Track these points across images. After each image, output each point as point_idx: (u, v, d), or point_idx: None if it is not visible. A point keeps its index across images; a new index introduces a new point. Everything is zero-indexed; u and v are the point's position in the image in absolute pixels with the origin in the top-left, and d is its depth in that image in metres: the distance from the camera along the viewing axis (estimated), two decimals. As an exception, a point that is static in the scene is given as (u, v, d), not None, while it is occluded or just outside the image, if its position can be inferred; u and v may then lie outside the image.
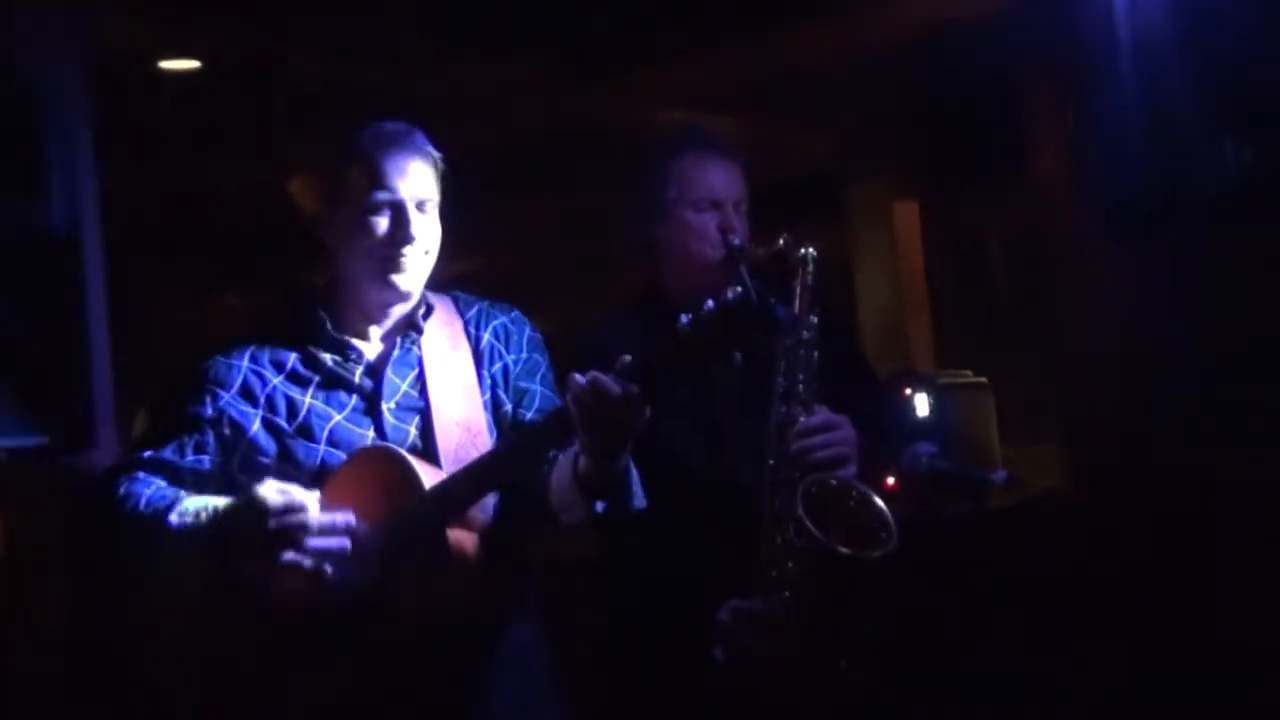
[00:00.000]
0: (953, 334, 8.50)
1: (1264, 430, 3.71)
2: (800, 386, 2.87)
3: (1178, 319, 3.68)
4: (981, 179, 7.32)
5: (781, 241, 2.99)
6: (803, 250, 2.97)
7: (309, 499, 2.52)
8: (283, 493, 2.51)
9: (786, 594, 2.78)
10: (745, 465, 2.90)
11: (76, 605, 3.70)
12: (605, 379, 2.37)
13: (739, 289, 2.33)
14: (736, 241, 3.04)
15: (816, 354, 2.90)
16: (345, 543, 2.53)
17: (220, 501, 2.60)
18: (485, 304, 2.90)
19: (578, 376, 2.41)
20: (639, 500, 2.56)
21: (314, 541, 2.51)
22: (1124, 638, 3.86)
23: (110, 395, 3.72)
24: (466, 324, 2.84)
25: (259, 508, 2.49)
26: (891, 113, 6.89)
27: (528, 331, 2.88)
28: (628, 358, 2.41)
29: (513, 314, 2.89)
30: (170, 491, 2.66)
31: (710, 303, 2.35)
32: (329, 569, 2.53)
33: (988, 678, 3.88)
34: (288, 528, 2.49)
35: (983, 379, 5.55)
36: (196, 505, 2.60)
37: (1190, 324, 3.66)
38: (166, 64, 5.26)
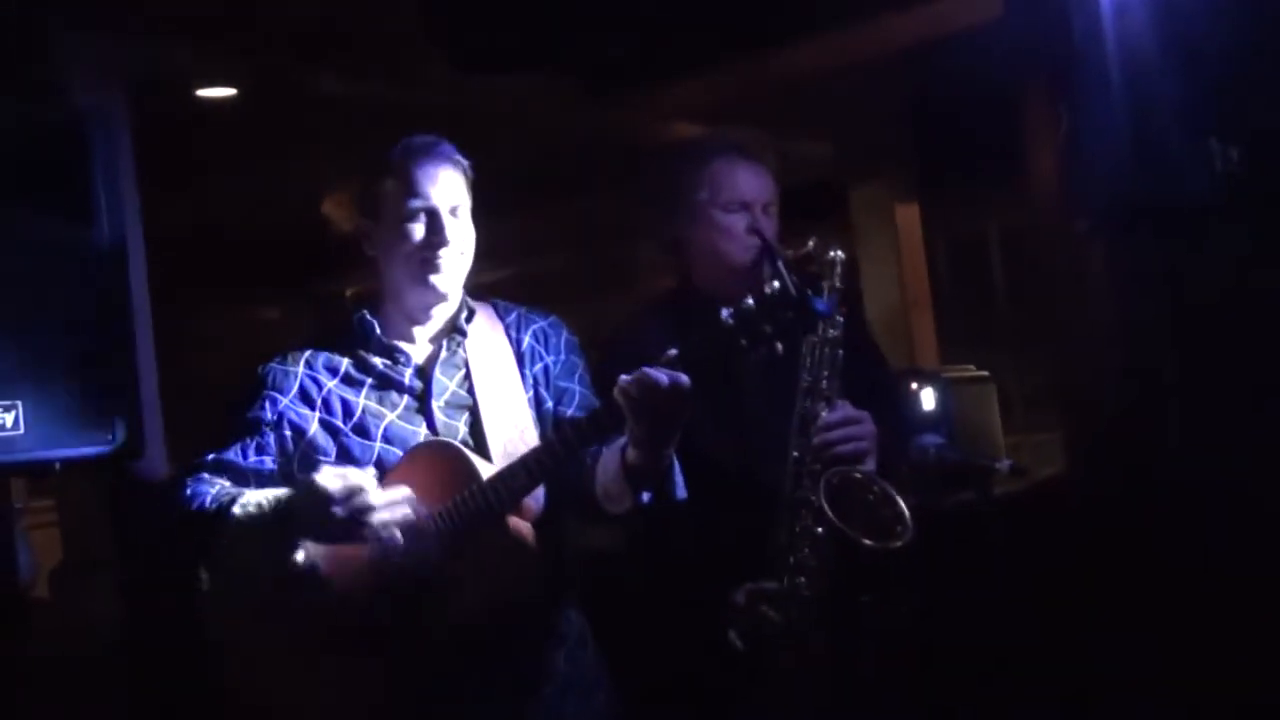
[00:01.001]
0: (955, 330, 8.58)
1: (1258, 421, 3.77)
2: (824, 382, 2.98)
3: (1170, 314, 3.74)
4: (979, 180, 7.39)
5: (811, 243, 3.09)
6: (832, 253, 3.07)
7: (366, 479, 2.63)
8: (340, 476, 2.63)
9: (801, 579, 2.89)
10: (769, 457, 2.99)
11: (128, 609, 3.80)
12: (654, 372, 2.48)
13: (777, 283, 2.41)
14: (764, 242, 3.13)
15: (841, 352, 3.00)
16: (408, 511, 2.66)
17: (281, 491, 2.74)
18: (523, 310, 3.04)
19: (624, 377, 2.51)
20: (681, 490, 2.68)
21: (378, 516, 2.62)
22: (1132, 621, 3.90)
23: (157, 408, 3.84)
24: (507, 328, 2.98)
25: (320, 493, 2.61)
26: (891, 118, 6.95)
27: (565, 335, 3.03)
28: (674, 351, 2.51)
29: (550, 319, 3.04)
30: (234, 489, 2.80)
31: (750, 299, 2.42)
32: (397, 537, 2.65)
33: (998, 663, 3.95)
34: (352, 510, 2.61)
35: (985, 373, 5.62)
36: (258, 497, 2.74)
37: (1182, 319, 3.71)
38: (203, 91, 5.43)
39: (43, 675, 3.60)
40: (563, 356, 2.99)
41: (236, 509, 2.73)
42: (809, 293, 2.42)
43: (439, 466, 2.74)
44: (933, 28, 5.62)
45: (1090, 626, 3.97)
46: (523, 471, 2.68)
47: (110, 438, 3.26)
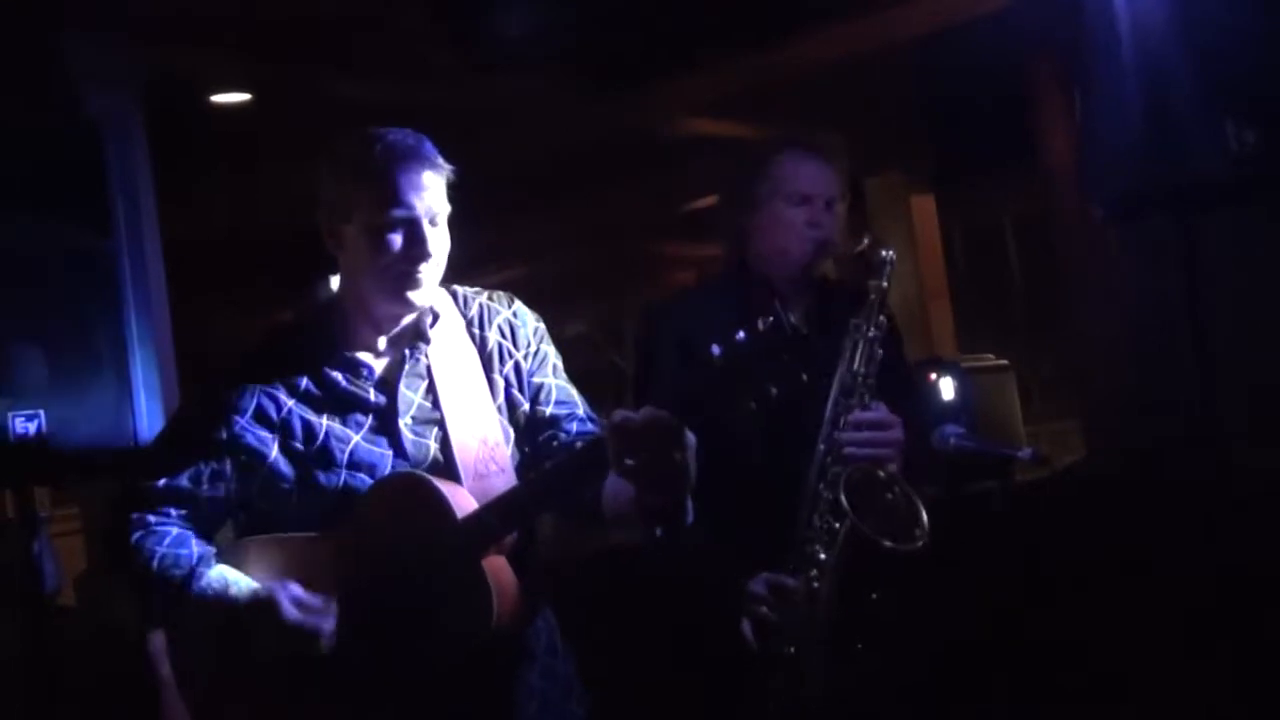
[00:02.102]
0: (972, 319, 8.61)
1: (1272, 403, 3.77)
2: (861, 379, 2.96)
3: (1184, 298, 3.73)
4: (994, 169, 7.41)
5: (866, 240, 3.06)
6: (884, 252, 3.05)
7: (326, 616, 2.49)
8: (298, 604, 2.49)
9: (814, 571, 2.88)
10: (791, 454, 2.96)
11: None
12: (631, 416, 2.26)
13: (771, 319, 2.26)
14: (822, 236, 3.09)
15: (881, 353, 2.99)
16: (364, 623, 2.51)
17: (241, 587, 2.55)
18: (484, 299, 2.78)
19: (614, 414, 2.30)
20: (691, 515, 2.41)
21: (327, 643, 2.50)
22: (1158, 609, 3.92)
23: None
24: (469, 324, 2.73)
25: (277, 620, 2.48)
26: (905, 110, 6.98)
27: (531, 322, 2.77)
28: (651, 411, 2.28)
29: (514, 307, 2.78)
30: (185, 551, 2.59)
31: (742, 334, 2.27)
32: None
33: (1019, 653, 3.97)
34: (301, 647, 2.49)
35: (1004, 361, 5.62)
36: (217, 584, 2.56)
37: (1196, 303, 3.71)
38: (217, 96, 5.46)
39: (70, 683, 3.60)
40: (533, 348, 2.74)
41: (194, 589, 2.55)
42: (804, 331, 2.36)
43: (409, 503, 2.54)
44: (944, 17, 5.63)
45: (1112, 616, 3.97)
46: (499, 517, 2.49)
47: (131, 441, 3.28)
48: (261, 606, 2.50)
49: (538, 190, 6.72)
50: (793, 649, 2.87)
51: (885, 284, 3.03)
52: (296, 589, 2.51)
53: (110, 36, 4.02)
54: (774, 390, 2.27)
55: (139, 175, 3.65)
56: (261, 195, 6.79)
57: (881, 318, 3.01)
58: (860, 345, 2.98)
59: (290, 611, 2.48)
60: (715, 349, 2.28)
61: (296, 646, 2.49)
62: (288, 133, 5.77)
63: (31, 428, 3.12)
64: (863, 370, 2.97)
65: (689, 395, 2.30)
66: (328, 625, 2.49)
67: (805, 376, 2.28)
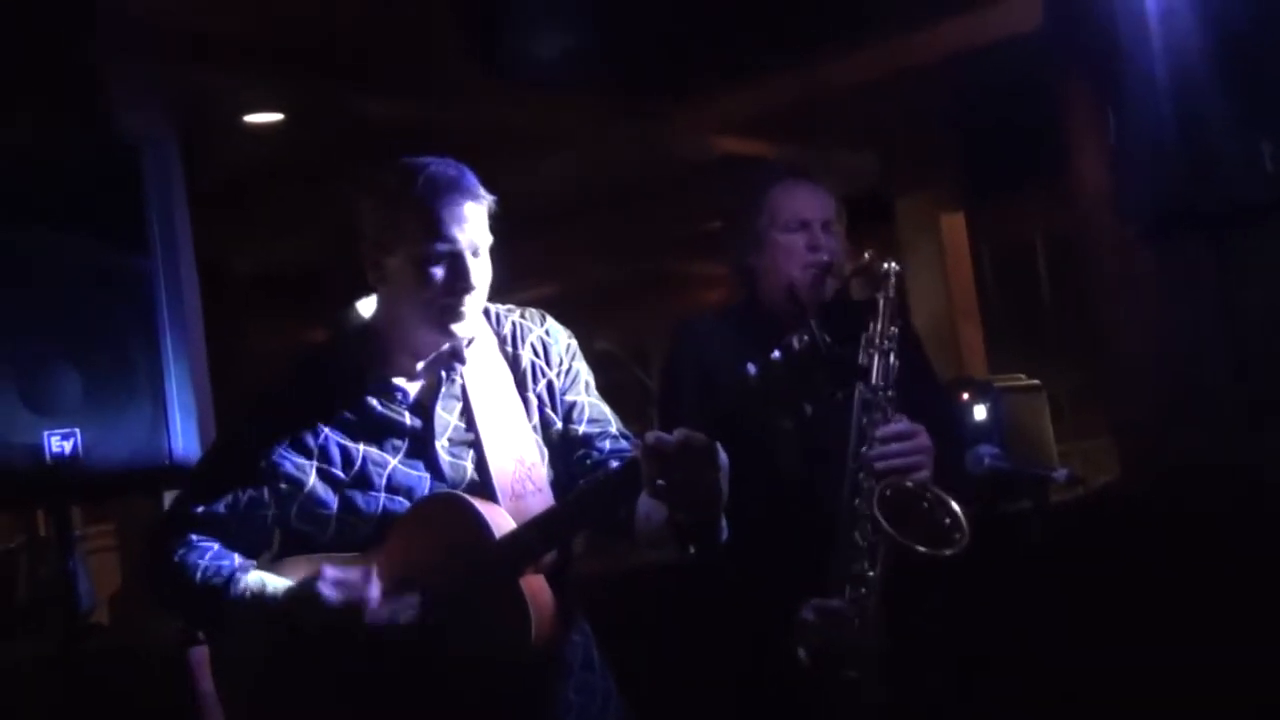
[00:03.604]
0: (1002, 338, 8.58)
1: None
2: (881, 394, 2.97)
3: (1219, 317, 3.71)
4: (1024, 188, 7.40)
5: (866, 255, 3.06)
6: (887, 265, 3.05)
7: (369, 578, 2.50)
8: (341, 584, 2.49)
9: (863, 590, 2.87)
10: (827, 471, 2.97)
11: (189, 635, 3.82)
12: (666, 437, 2.28)
13: (805, 336, 2.27)
14: (825, 258, 3.10)
15: (897, 364, 2.99)
16: (413, 612, 2.52)
17: (279, 585, 2.56)
18: (517, 317, 2.77)
19: (647, 436, 2.32)
20: (725, 534, 2.45)
21: (380, 616, 2.50)
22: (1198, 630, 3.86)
23: (212, 429, 3.87)
24: (502, 342, 2.73)
25: (321, 603, 2.48)
26: (936, 129, 6.98)
27: (563, 340, 2.76)
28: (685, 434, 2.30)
29: (546, 325, 2.77)
30: (227, 561, 2.61)
31: (777, 352, 2.28)
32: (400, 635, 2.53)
33: (1063, 673, 3.95)
34: (353, 621, 2.49)
35: (1036, 381, 5.60)
36: (255, 585, 2.57)
37: (1233, 322, 3.69)
38: (250, 117, 5.50)
39: (103, 702, 3.61)
40: (565, 366, 2.74)
41: (233, 593, 2.55)
42: (838, 347, 2.28)
43: (447, 523, 2.56)
44: (976, 37, 5.63)
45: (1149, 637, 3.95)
46: (536, 536, 2.51)
47: (166, 460, 3.29)
48: (302, 592, 2.51)
49: (567, 208, 6.74)
50: (854, 673, 2.86)
51: (892, 295, 3.03)
52: (332, 569, 2.50)
53: (145, 59, 4.04)
54: (809, 409, 2.28)
55: (174, 195, 3.66)
56: (295, 213, 6.85)
57: (893, 329, 3.01)
58: (876, 359, 2.99)
59: (331, 591, 2.48)
60: (751, 368, 2.30)
61: (344, 622, 2.49)
62: (319, 152, 5.82)
63: (67, 446, 3.13)
64: (881, 384, 2.97)
65: (725, 415, 2.31)
66: (373, 593, 2.49)
67: (840, 395, 2.31)
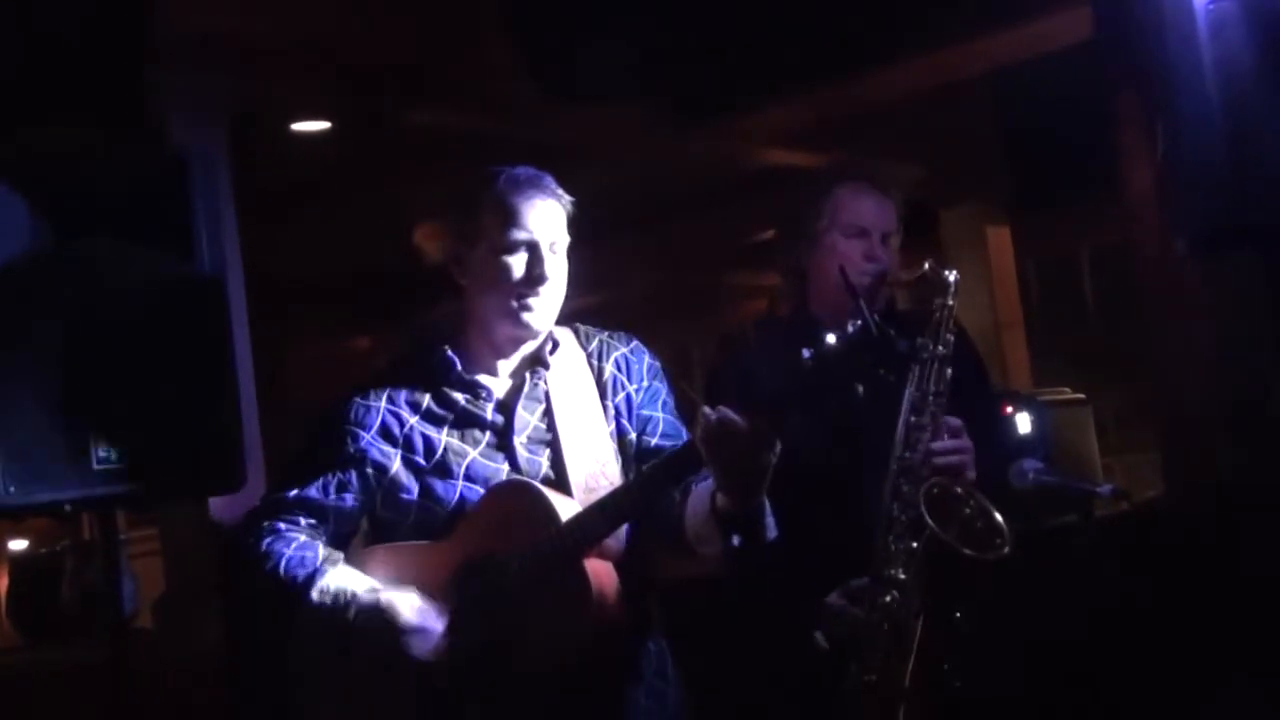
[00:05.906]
0: (1047, 351, 8.54)
1: None
2: (930, 398, 2.97)
3: (1268, 333, 3.68)
4: (1070, 201, 7.36)
5: (927, 265, 3.07)
6: (947, 273, 3.06)
7: (439, 621, 2.68)
8: (421, 613, 2.69)
9: (894, 593, 2.88)
10: (871, 469, 2.98)
11: (231, 636, 3.84)
12: (731, 414, 2.43)
13: (859, 322, 2.35)
14: (878, 269, 3.13)
15: (949, 370, 3.00)
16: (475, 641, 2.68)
17: (360, 588, 2.73)
18: (605, 336, 2.95)
19: (706, 410, 2.47)
20: (772, 531, 2.59)
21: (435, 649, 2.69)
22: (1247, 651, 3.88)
23: (257, 438, 3.89)
24: (589, 356, 2.90)
25: (393, 622, 2.67)
26: (982, 141, 6.96)
27: (647, 360, 2.93)
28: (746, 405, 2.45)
29: (632, 345, 2.95)
30: (311, 553, 2.79)
31: (831, 337, 2.37)
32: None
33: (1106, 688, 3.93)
34: (412, 648, 2.67)
35: (1081, 395, 5.58)
36: (336, 587, 2.74)
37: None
38: (298, 125, 5.53)
39: (147, 706, 3.63)
40: (645, 383, 2.91)
41: (314, 593, 2.73)
42: (891, 332, 2.36)
43: (517, 508, 2.70)
44: (1023, 49, 5.61)
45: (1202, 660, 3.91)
46: (600, 515, 2.64)
47: (214, 470, 3.31)
48: (382, 607, 2.69)
49: (614, 220, 6.74)
50: (874, 677, 2.86)
51: (951, 302, 3.03)
52: (415, 596, 2.69)
53: (193, 68, 4.06)
54: (860, 389, 2.39)
55: (222, 205, 3.68)
56: (342, 223, 6.87)
57: (949, 336, 3.01)
58: (929, 364, 2.99)
59: (407, 617, 2.66)
60: (806, 353, 2.41)
61: (408, 649, 2.66)
62: (368, 162, 5.85)
63: (114, 454, 3.14)
64: (932, 389, 2.98)
65: (783, 396, 2.44)
66: (438, 627, 2.67)
67: (891, 376, 2.41)
